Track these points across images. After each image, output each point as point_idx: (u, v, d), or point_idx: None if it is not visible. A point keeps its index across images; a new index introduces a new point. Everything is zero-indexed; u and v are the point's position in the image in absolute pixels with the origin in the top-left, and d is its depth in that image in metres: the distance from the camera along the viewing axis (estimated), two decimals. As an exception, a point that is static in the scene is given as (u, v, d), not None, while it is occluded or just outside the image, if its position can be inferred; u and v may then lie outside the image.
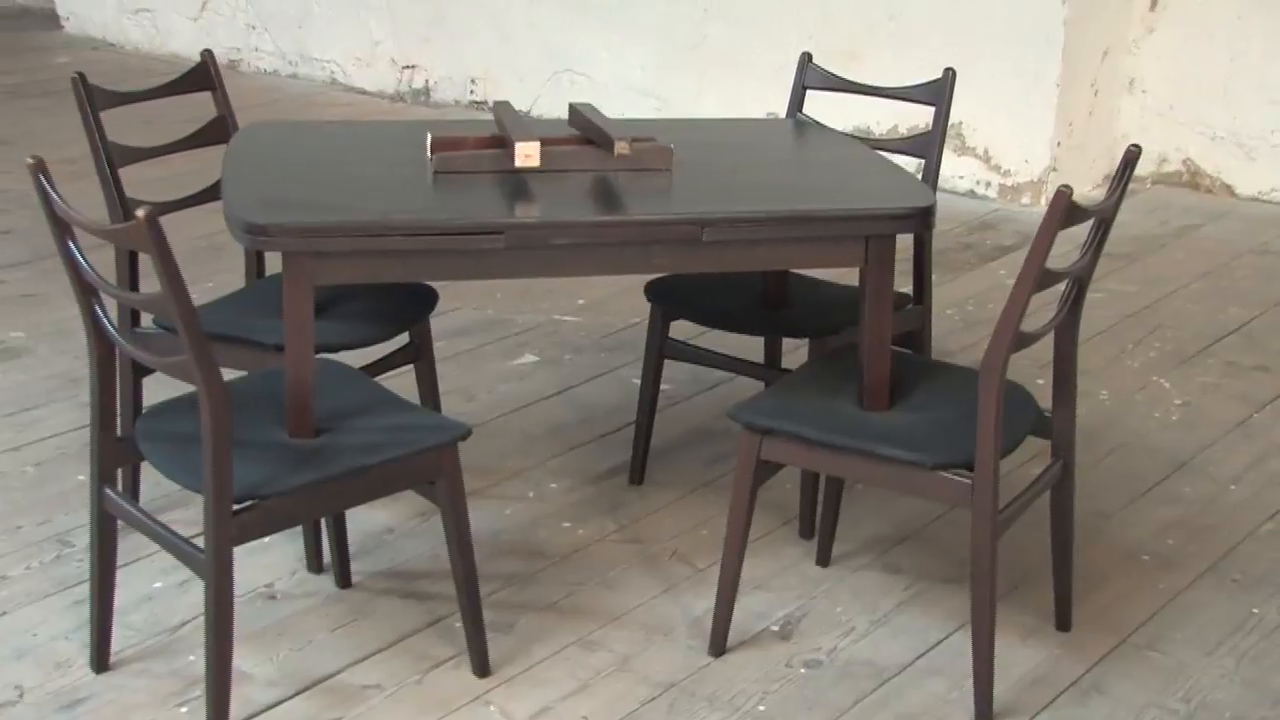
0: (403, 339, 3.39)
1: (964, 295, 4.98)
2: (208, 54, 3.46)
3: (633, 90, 6.90)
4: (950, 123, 6.21)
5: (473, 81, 7.42)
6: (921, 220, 2.75)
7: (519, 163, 2.80)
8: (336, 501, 2.61)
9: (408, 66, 7.62)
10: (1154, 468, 3.75)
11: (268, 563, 3.18)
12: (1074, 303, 2.83)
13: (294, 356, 2.63)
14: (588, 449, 3.79)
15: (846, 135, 3.42)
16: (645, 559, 3.27)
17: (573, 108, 3.14)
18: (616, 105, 6.96)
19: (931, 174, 3.47)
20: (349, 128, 3.50)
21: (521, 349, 4.44)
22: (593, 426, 3.90)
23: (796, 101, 3.67)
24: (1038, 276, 2.49)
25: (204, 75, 3.44)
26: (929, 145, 3.50)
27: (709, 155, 3.11)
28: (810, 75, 3.68)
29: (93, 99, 3.16)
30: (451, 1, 7.37)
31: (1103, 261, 5.57)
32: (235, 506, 2.44)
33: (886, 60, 6.17)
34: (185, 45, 8.38)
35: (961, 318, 4.76)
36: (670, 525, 3.40)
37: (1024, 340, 2.59)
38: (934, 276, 5.10)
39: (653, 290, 3.42)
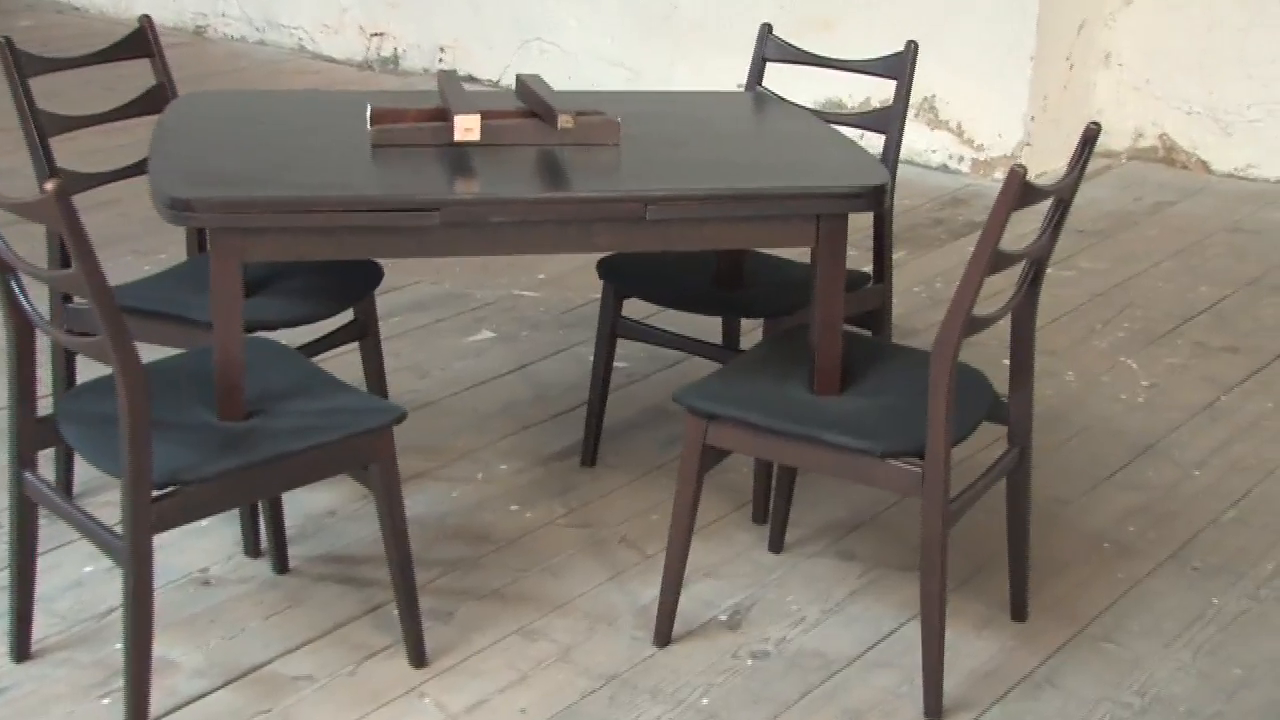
0: (347, 316, 3.30)
1: (932, 272, 4.90)
2: (146, 19, 3.36)
3: (603, 60, 6.79)
4: (923, 96, 6.19)
5: (441, 50, 7.30)
6: (873, 199, 2.65)
7: (458, 136, 2.70)
8: (263, 488, 2.52)
9: (376, 34, 7.49)
10: (1117, 452, 3.67)
11: (205, 546, 3.09)
12: (1031, 284, 2.74)
13: (222, 336, 2.53)
14: (541, 428, 3.70)
15: (804, 110, 3.32)
16: (593, 544, 3.18)
17: (519, 79, 3.05)
18: (587, 75, 6.85)
19: (892, 150, 3.38)
20: (292, 98, 3.39)
21: (479, 325, 4.35)
22: (547, 405, 3.81)
23: (756, 74, 3.57)
24: (990, 258, 2.41)
25: (141, 41, 3.33)
26: (890, 120, 3.40)
27: (660, 129, 3.01)
28: (770, 47, 3.58)
29: (20, 65, 3.05)
30: (420, -33, 7.25)
31: (1073, 239, 5.56)
32: (156, 493, 2.35)
33: (859, 30, 6.06)
34: (150, 8, 8.22)
35: (929, 295, 4.67)
36: (621, 509, 3.32)
37: (977, 324, 2.51)
38: (903, 253, 5.05)
39: (604, 267, 3.32)
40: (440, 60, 7.30)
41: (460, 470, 3.48)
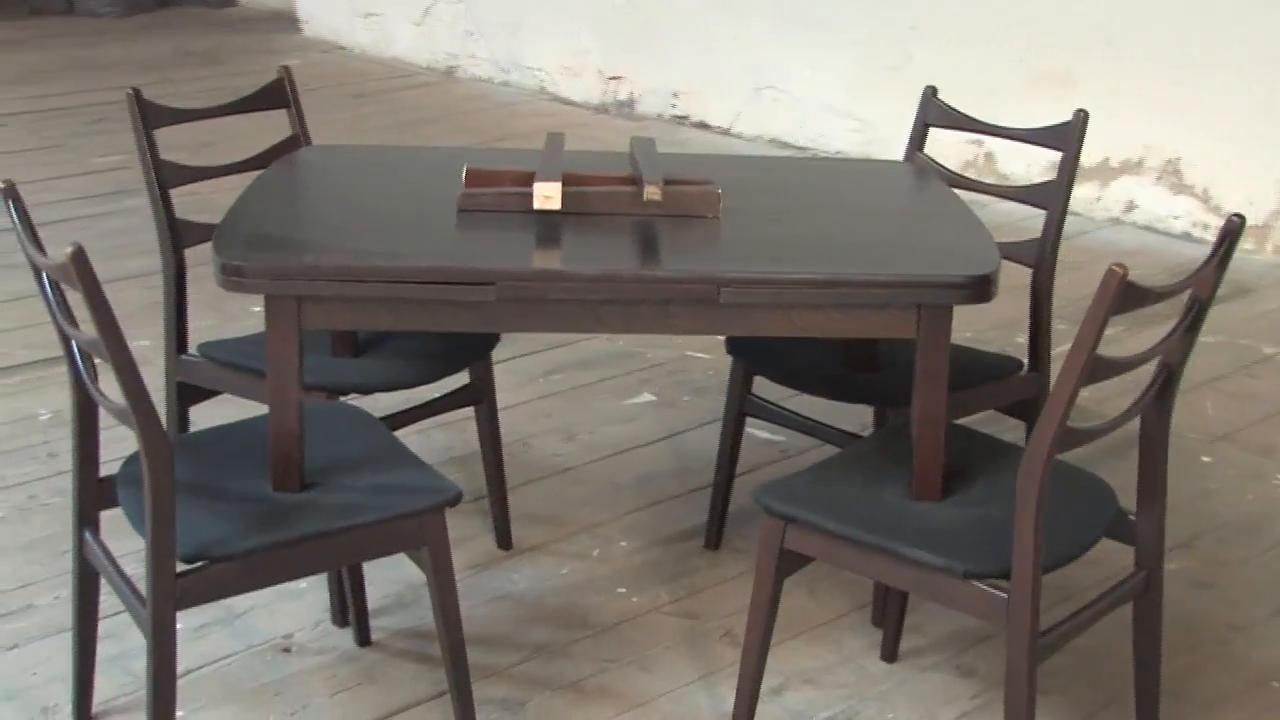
0: (463, 379, 3.20)
1: (1144, 352, 4.51)
2: (285, 69, 3.31)
3: (832, 111, 6.57)
4: (1167, 158, 5.76)
5: (675, 95, 7.21)
6: (977, 290, 2.39)
7: (538, 204, 2.55)
8: (299, 567, 2.41)
9: (614, 78, 7.45)
10: (1313, 572, 3.28)
11: (295, 610, 3.02)
12: (1162, 390, 2.43)
13: (277, 406, 2.44)
14: (673, 504, 3.52)
15: (945, 183, 3.06)
16: (693, 637, 2.98)
17: (633, 141, 2.89)
18: (814, 126, 6.65)
19: (1052, 228, 3.08)
20: (419, 154, 3.30)
21: (641, 387, 4.20)
22: (687, 479, 3.63)
23: (916, 140, 3.32)
24: (1084, 367, 2.12)
25: (278, 92, 3.29)
26: (1052, 195, 3.10)
27: (770, 201, 2.81)
28: (932, 111, 3.32)
29: (147, 116, 3.04)
30: (659, 11, 7.17)
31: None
32: (182, 567, 2.28)
33: (1101, 86, 5.70)
34: (407, 49, 8.41)
35: (1132, 378, 4.29)
36: (733, 599, 3.10)
37: (1073, 437, 2.22)
38: (1120, 327, 4.65)
39: (731, 341, 3.13)
40: (674, 105, 7.21)
41: (576, 545, 3.33)
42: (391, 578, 3.14)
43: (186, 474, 2.42)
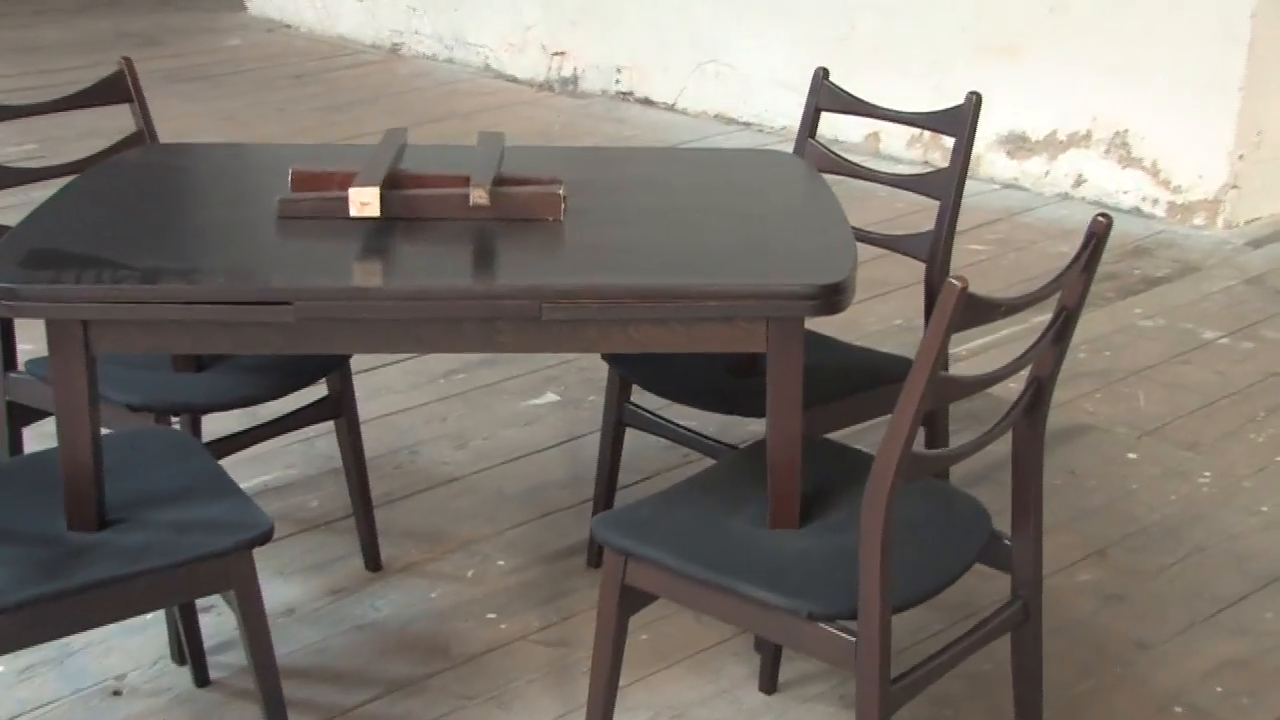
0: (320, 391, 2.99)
1: (1081, 338, 4.29)
2: (125, 61, 3.08)
3: (778, 84, 6.34)
4: (1115, 130, 5.52)
5: (618, 71, 6.97)
6: (825, 302, 2.17)
7: (354, 211, 2.34)
8: (85, 619, 2.19)
9: (557, 53, 7.21)
10: (1233, 583, 3.06)
11: (132, 646, 2.82)
12: (1032, 405, 2.21)
13: (67, 441, 2.24)
14: (560, 517, 3.31)
15: (820, 176, 2.83)
16: (560, 669, 2.78)
17: (481, 137, 2.67)
18: (760, 100, 6.42)
19: (946, 219, 2.87)
20: (260, 152, 3.06)
21: (547, 385, 3.98)
22: (579, 489, 3.42)
23: (807, 125, 3.11)
24: (926, 388, 1.91)
25: (119, 85, 3.06)
26: (945, 185, 2.88)
27: (627, 202, 2.60)
28: (823, 95, 3.10)
29: (-34, 114, 2.83)
30: (601, -16, 6.94)
31: (1267, 300, 4.80)
32: (-52, 620, 2.07)
33: (1046, 57, 5.48)
34: (352, 28, 8.16)
35: (1068, 366, 4.07)
36: (609, 625, 2.90)
37: (920, 464, 2.01)
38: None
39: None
40: (617, 82, 6.98)
41: (451, 564, 3.13)
42: (246, 605, 2.94)
43: (-27, 512, 2.22)
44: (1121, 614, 2.96)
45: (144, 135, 3.06)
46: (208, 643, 2.82)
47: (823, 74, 3.12)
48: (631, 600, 2.29)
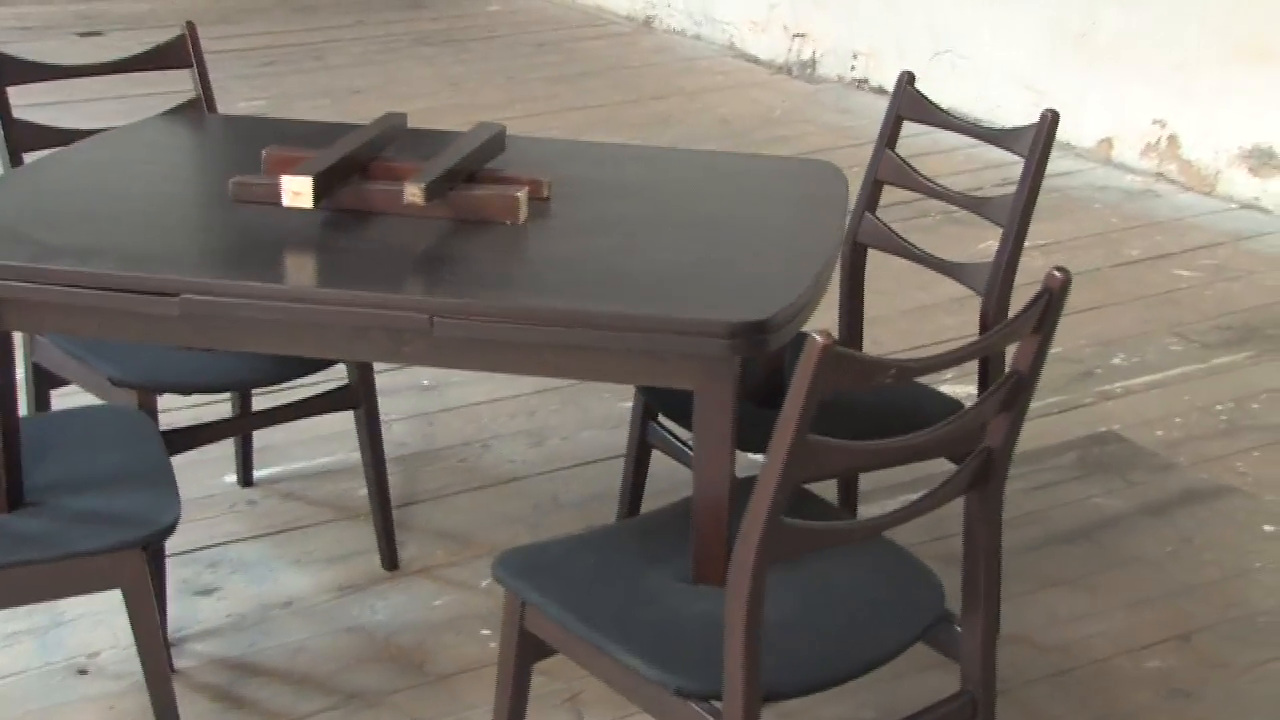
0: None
1: (1265, 386, 3.81)
2: (190, 25, 3.01)
3: (1013, 81, 5.91)
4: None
5: (854, 56, 6.65)
6: (745, 341, 1.91)
7: (286, 201, 2.19)
8: (-38, 604, 2.14)
9: (798, 35, 6.93)
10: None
11: (120, 624, 2.73)
12: (980, 480, 1.90)
13: (-16, 418, 2.18)
14: (604, 533, 3.10)
15: (841, 196, 2.53)
16: (533, 700, 2.58)
17: (474, 128, 2.49)
18: (993, 96, 6.01)
19: (1008, 249, 2.53)
20: (279, 127, 2.90)
21: (644, 389, 3.77)
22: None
23: (886, 132, 2.81)
24: (789, 455, 1.63)
25: (180, 50, 3.00)
26: (1012, 211, 2.54)
27: (612, 209, 2.37)
28: (905, 102, 2.80)
29: (3, 73, 2.80)
30: (845, -35, 6.62)
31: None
32: None
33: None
34: (610, -2, 8.08)
35: (1229, 418, 3.61)
36: (601, 658, 2.69)
37: (791, 542, 1.73)
38: (1246, 354, 3.97)
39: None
40: (853, 68, 6.66)
41: (469, 572, 2.97)
42: (250, 593, 2.87)
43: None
44: (1183, 713, 2.57)
45: (199, 102, 3.00)
46: (201, 627, 2.76)
47: (907, 78, 2.81)
48: (534, 647, 2.08)
